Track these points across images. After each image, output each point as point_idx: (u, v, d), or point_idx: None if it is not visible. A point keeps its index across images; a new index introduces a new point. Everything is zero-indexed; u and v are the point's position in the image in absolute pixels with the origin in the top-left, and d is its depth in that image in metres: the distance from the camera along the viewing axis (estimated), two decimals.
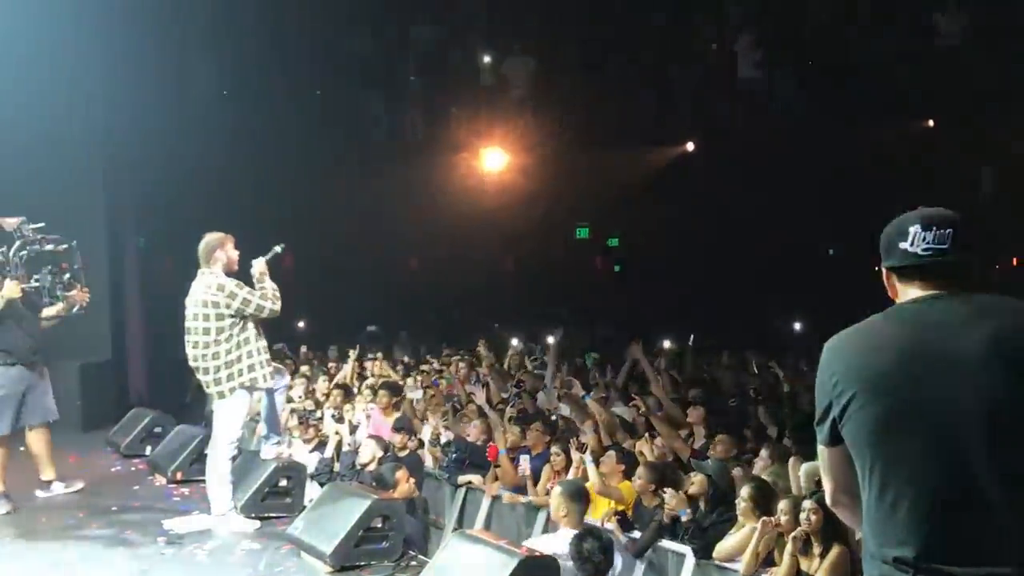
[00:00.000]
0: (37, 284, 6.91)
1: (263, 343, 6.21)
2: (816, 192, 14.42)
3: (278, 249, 6.24)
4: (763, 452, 6.34)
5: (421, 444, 8.16)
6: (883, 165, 13.57)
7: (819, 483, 5.40)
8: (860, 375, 2.16)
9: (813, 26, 13.84)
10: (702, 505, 5.80)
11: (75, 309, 7.10)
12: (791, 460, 5.89)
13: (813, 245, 16.63)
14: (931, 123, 13.37)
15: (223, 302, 5.95)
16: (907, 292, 2.24)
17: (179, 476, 7.55)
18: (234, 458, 6.33)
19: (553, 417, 8.26)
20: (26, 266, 6.88)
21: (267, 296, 6.05)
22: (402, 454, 7.71)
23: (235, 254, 6.12)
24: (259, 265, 6.14)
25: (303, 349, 13.23)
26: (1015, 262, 19.60)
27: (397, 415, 8.67)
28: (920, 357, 2.11)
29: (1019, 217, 16.72)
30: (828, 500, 2.39)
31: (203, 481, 6.63)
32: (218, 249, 6.07)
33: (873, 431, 2.13)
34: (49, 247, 6.94)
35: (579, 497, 5.65)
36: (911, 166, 13.34)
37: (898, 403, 2.10)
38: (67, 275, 7.02)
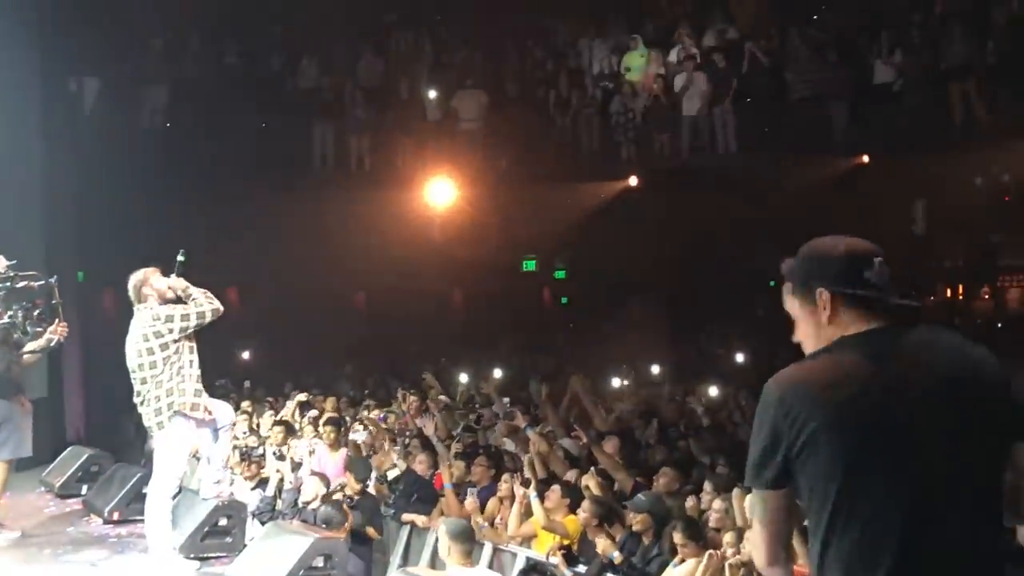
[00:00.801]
0: (9, 320, 6.91)
1: (199, 372, 6.16)
2: (756, 225, 14.74)
3: (181, 258, 6.19)
4: (707, 485, 6.41)
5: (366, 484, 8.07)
6: (819, 199, 13.92)
7: None
8: (823, 408, 2.04)
9: (752, 64, 14.18)
10: (646, 540, 5.84)
11: (53, 343, 7.11)
12: (735, 491, 5.96)
13: (754, 277, 16.92)
14: (865, 159, 13.75)
15: (165, 329, 5.91)
16: (852, 322, 2.15)
17: (116, 516, 7.36)
18: (174, 496, 6.21)
19: (496, 450, 8.25)
20: (2, 303, 6.88)
21: (201, 302, 6.01)
22: (358, 497, 7.62)
23: (163, 284, 6.07)
24: (177, 282, 6.09)
25: (246, 384, 13.04)
26: (949, 293, 20.19)
27: (344, 451, 8.60)
28: (884, 388, 2.05)
29: (950, 250, 17.27)
30: (763, 560, 2.18)
31: (141, 521, 6.48)
32: (144, 286, 6.04)
33: (840, 465, 2.02)
34: (22, 284, 6.95)
35: (462, 536, 5.58)
36: (846, 200, 13.71)
37: (865, 435, 2.03)
38: (37, 311, 7.02)
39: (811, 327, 2.22)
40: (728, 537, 5.33)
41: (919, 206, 15.12)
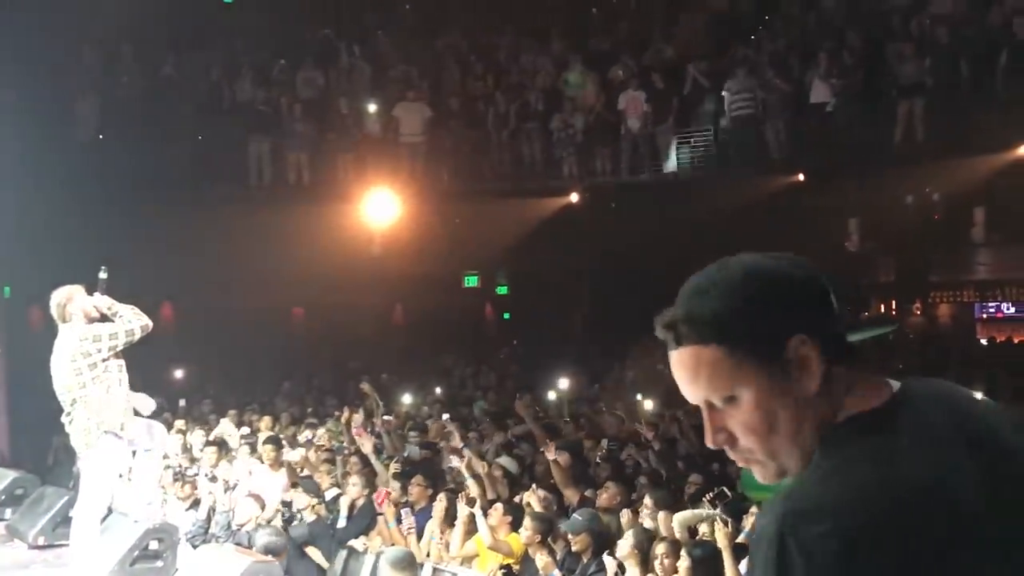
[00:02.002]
0: None
1: (128, 390, 5.97)
2: (695, 242, 14.89)
3: (103, 275, 6.02)
4: (647, 500, 6.41)
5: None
6: (756, 216, 14.15)
7: (692, 531, 5.53)
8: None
9: (693, 85, 14.37)
10: (585, 558, 5.82)
11: None
12: (661, 514, 5.94)
13: None
14: (800, 177, 14.00)
15: (93, 349, 5.73)
16: (852, 386, 1.32)
17: (42, 541, 7.09)
18: (103, 519, 6.00)
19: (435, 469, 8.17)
20: None
21: (129, 319, 5.83)
22: (310, 519, 7.45)
23: (88, 303, 5.89)
24: (102, 300, 5.91)
25: (181, 403, 12.73)
26: (883, 309, 20.67)
27: (284, 470, 8.44)
28: (991, 500, 1.23)
29: (883, 267, 17.65)
30: None
31: (67, 546, 6.25)
32: (68, 304, 5.85)
33: None
34: None
35: (401, 564, 5.52)
36: (782, 217, 13.95)
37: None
38: None
39: (786, 410, 1.30)
40: (661, 548, 5.32)
41: (853, 223, 15.45)
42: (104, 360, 5.77)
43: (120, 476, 6.43)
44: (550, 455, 7.34)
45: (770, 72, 13.81)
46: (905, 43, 12.96)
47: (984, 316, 21.12)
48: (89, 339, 5.75)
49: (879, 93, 13.15)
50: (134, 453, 6.14)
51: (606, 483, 7.01)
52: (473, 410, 12.00)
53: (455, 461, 8.45)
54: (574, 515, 6.14)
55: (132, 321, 5.83)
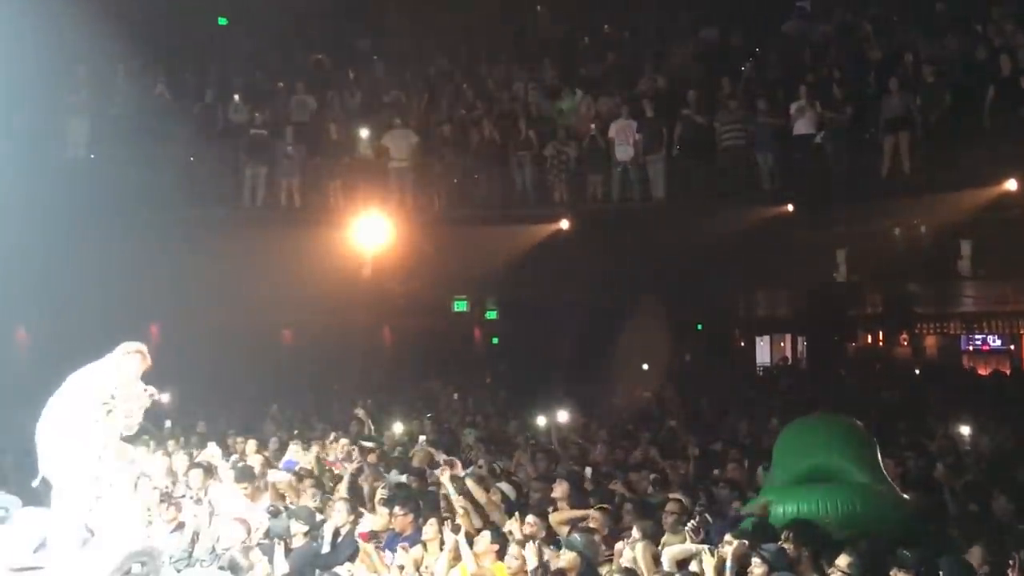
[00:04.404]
0: None
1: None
2: (684, 271, 14.96)
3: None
4: (635, 532, 6.35)
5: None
6: (746, 246, 14.20)
7: (681, 564, 5.50)
8: None
9: (684, 115, 14.45)
10: None
11: None
12: (641, 545, 5.89)
13: (681, 322, 17.19)
14: (790, 208, 14.07)
15: None
16: None
17: (19, 564, 6.99)
18: (84, 542, 5.94)
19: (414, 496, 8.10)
20: None
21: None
22: (297, 544, 7.37)
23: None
24: None
25: (167, 424, 12.62)
26: (870, 339, 20.76)
27: (267, 496, 8.37)
28: None
29: (871, 298, 17.71)
30: None
31: (45, 568, 6.18)
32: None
33: None
34: None
35: None
36: (772, 248, 14.00)
37: None
38: None
39: None
40: None
41: (841, 254, 15.54)
42: None
43: (99, 498, 6.37)
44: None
45: (760, 104, 13.92)
46: (891, 78, 13.09)
47: (970, 348, 21.20)
48: None
49: (868, 126, 13.27)
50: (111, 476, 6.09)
51: (591, 512, 6.95)
52: (460, 436, 11.92)
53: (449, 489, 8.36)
54: (574, 535, 6.12)
55: None
